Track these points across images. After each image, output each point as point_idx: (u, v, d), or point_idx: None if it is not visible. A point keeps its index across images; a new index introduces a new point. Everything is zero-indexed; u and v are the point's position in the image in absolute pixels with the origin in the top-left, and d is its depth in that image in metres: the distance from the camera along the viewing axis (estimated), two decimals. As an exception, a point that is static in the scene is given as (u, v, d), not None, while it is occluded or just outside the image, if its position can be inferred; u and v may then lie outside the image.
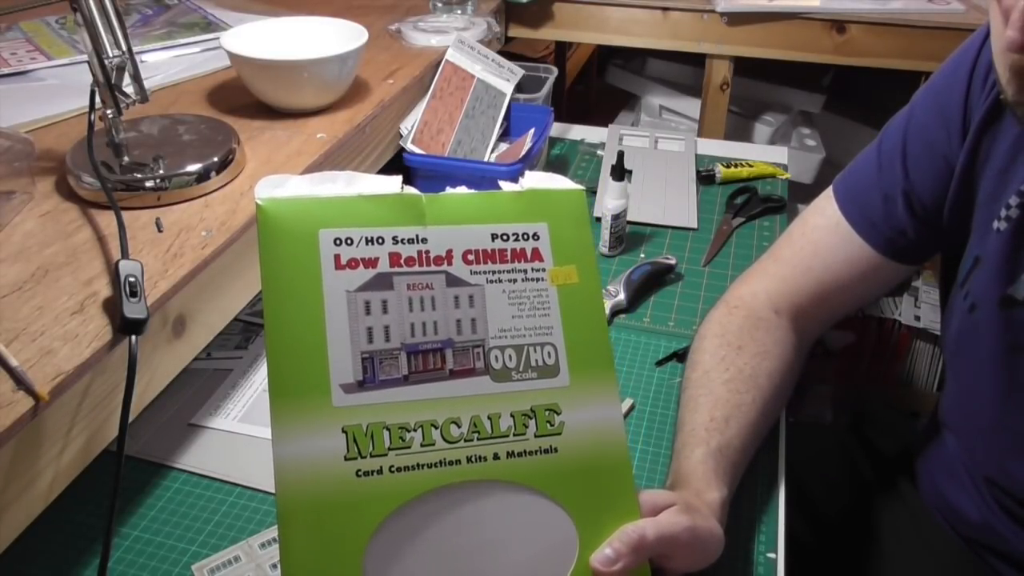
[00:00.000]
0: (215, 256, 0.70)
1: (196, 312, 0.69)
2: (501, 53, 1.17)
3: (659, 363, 0.87)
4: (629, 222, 1.06)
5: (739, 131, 1.66)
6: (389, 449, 0.49)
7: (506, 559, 0.50)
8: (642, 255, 1.05)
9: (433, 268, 0.52)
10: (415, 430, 0.49)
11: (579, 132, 1.37)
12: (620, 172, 1.01)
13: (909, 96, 0.75)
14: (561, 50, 2.01)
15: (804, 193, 1.46)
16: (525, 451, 0.51)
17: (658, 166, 1.25)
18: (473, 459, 0.50)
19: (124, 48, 0.71)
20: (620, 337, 0.91)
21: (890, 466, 0.88)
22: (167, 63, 1.08)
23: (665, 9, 1.40)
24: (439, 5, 1.32)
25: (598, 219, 1.05)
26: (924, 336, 1.52)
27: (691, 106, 1.68)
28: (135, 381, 0.59)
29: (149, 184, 0.75)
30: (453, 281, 0.53)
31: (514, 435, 0.51)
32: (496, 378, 0.52)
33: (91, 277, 0.65)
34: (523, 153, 1.05)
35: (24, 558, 0.64)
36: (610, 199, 1.01)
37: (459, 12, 1.30)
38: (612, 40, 1.48)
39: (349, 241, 0.51)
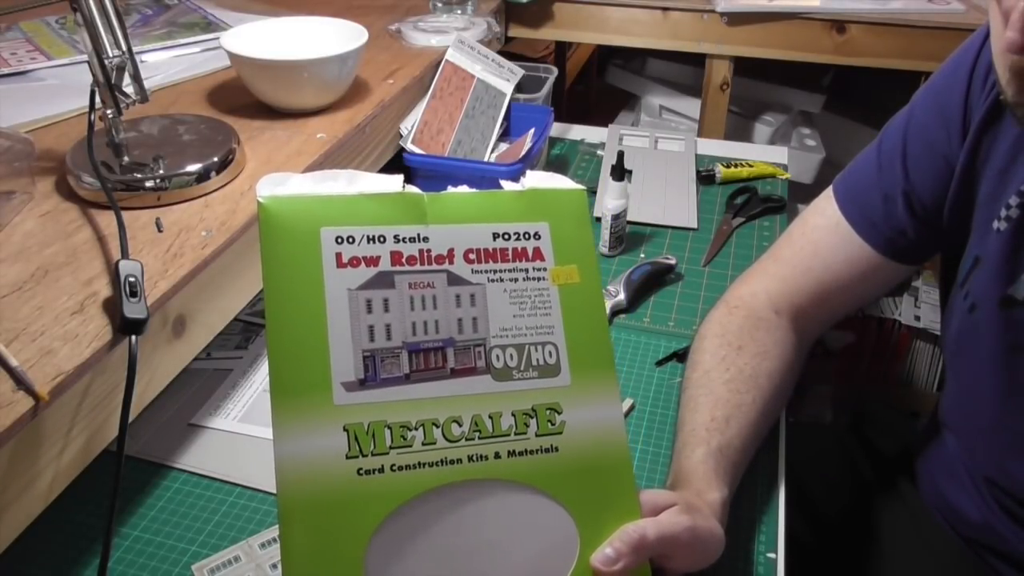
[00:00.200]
0: (215, 256, 0.70)
1: (196, 312, 0.69)
2: (501, 53, 1.17)
3: (659, 363, 0.87)
4: (629, 222, 1.06)
5: (739, 131, 1.67)
6: (390, 448, 0.49)
7: (507, 558, 0.50)
8: (642, 255, 1.05)
9: (434, 267, 0.52)
10: (416, 429, 0.49)
11: (579, 132, 1.37)
12: (620, 172, 1.01)
13: (909, 96, 0.75)
14: (561, 50, 2.01)
15: (804, 193, 1.46)
16: (526, 450, 0.51)
17: (658, 166, 1.25)
18: (474, 458, 0.50)
19: (124, 48, 0.71)
20: (620, 337, 0.91)
21: (890, 466, 0.88)
22: (167, 63, 1.08)
23: (665, 9, 1.41)
24: (439, 5, 1.32)
25: (598, 219, 1.05)
26: (924, 336, 1.52)
27: (691, 106, 1.68)
28: (135, 381, 0.59)
29: (149, 184, 0.75)
30: (454, 280, 0.53)
31: (515, 434, 0.51)
32: (497, 377, 0.52)
33: (91, 277, 0.65)
34: (523, 153, 1.05)
35: (24, 558, 0.64)
36: (610, 199, 1.01)
37: (459, 12, 1.30)
38: (612, 40, 1.48)
39: (351, 239, 0.51)
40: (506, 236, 0.54)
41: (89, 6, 0.69)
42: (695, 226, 1.11)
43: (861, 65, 1.38)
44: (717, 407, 0.68)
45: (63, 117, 0.91)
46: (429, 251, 0.52)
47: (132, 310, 0.60)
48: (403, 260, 0.52)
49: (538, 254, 0.55)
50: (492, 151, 1.10)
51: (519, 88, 1.15)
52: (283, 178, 0.52)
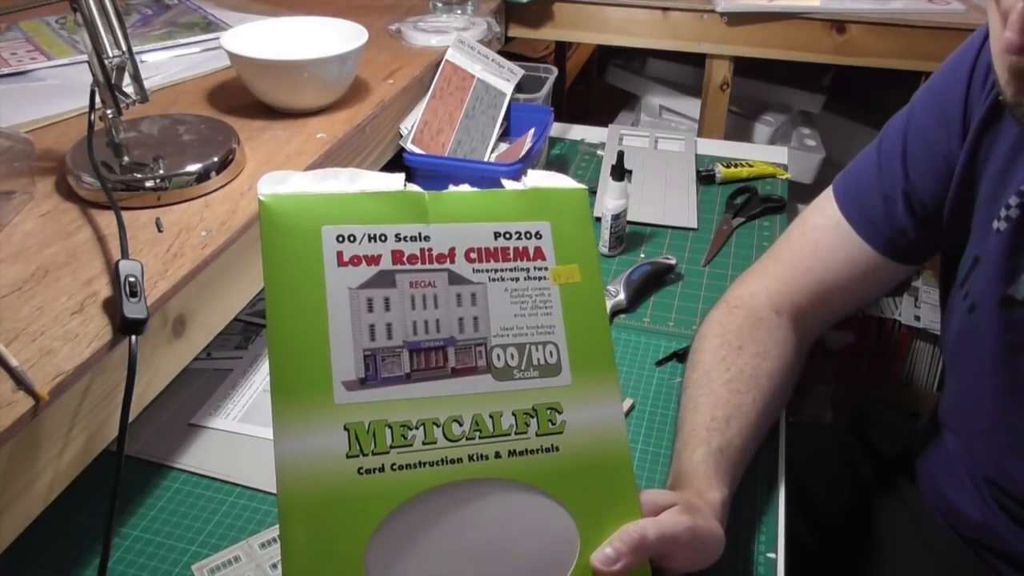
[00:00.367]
0: (215, 256, 0.70)
1: (196, 312, 0.69)
2: (501, 53, 1.17)
3: (659, 363, 0.87)
4: (629, 222, 1.06)
5: (739, 131, 1.67)
6: (391, 447, 0.49)
7: (507, 558, 0.50)
8: (642, 255, 1.05)
9: (435, 266, 0.52)
10: (417, 428, 0.49)
11: (579, 132, 1.37)
12: (620, 172, 1.01)
13: (909, 96, 0.75)
14: (561, 50, 2.01)
15: (804, 193, 1.46)
16: (526, 450, 0.51)
17: (658, 166, 1.25)
18: (475, 457, 0.50)
19: (124, 48, 0.71)
20: (620, 337, 0.91)
21: (890, 466, 0.88)
22: (167, 63, 1.08)
23: (665, 9, 1.41)
24: (439, 5, 1.32)
25: (598, 219, 1.05)
26: (924, 336, 1.52)
27: (691, 106, 1.68)
28: (135, 381, 0.58)
29: (149, 184, 0.75)
30: (455, 279, 0.53)
31: (516, 434, 0.51)
32: (498, 376, 0.52)
33: (91, 277, 0.65)
34: (523, 153, 1.05)
35: (24, 558, 0.64)
36: (610, 199, 1.01)
37: (459, 12, 1.30)
38: (612, 40, 1.48)
39: (352, 238, 0.51)
40: (507, 235, 0.54)
41: (89, 6, 0.69)
42: (695, 226, 1.11)
43: (861, 65, 1.38)
44: (717, 407, 0.68)
45: (63, 117, 0.91)
46: (430, 250, 0.52)
47: (132, 310, 0.60)
48: (404, 259, 0.52)
49: (539, 253, 0.55)
50: (492, 151, 1.10)
51: (519, 88, 1.15)
52: (284, 176, 0.52)
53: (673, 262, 1.00)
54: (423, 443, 0.49)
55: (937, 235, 0.73)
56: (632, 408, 0.81)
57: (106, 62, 0.71)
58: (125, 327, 0.60)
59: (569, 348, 0.54)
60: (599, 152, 1.29)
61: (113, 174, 0.75)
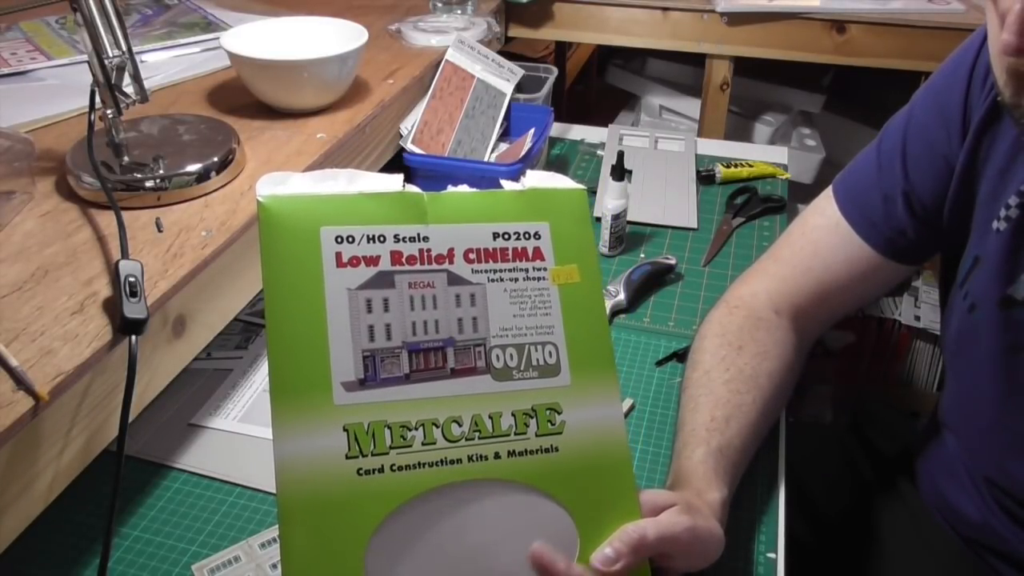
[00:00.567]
0: (215, 256, 0.70)
1: (196, 312, 0.69)
2: (501, 53, 1.17)
3: (659, 363, 0.87)
4: (629, 222, 1.06)
5: (739, 131, 1.66)
6: (390, 448, 0.49)
7: (507, 558, 0.50)
8: (642, 255, 1.05)
9: (434, 266, 0.52)
10: (416, 429, 0.49)
11: (579, 132, 1.37)
12: (620, 172, 1.01)
13: (909, 96, 0.75)
14: (561, 50, 2.01)
15: (804, 193, 1.46)
16: (526, 450, 0.51)
17: (658, 166, 1.25)
18: (474, 458, 0.50)
19: (124, 48, 0.71)
20: (620, 337, 0.91)
21: (890, 466, 0.88)
22: (167, 63, 1.08)
23: (665, 9, 1.41)
24: (439, 5, 1.32)
25: (598, 219, 1.05)
26: (924, 336, 1.52)
27: (691, 106, 1.68)
28: (135, 381, 0.59)
29: (149, 184, 0.75)
30: (454, 280, 0.53)
31: (515, 434, 0.51)
32: (497, 377, 0.52)
33: (91, 277, 0.65)
34: (523, 153, 1.05)
35: (24, 558, 0.64)
36: (610, 199, 1.01)
37: (459, 12, 1.30)
38: (612, 40, 1.48)
39: (351, 239, 0.51)
40: (506, 236, 0.54)
41: (89, 6, 0.69)
42: (695, 226, 1.11)
43: (861, 65, 1.38)
44: (717, 407, 0.68)
45: (63, 117, 0.91)
46: (429, 251, 0.52)
47: (132, 310, 0.60)
48: (403, 260, 0.52)
49: (538, 254, 0.55)
50: (492, 151, 1.10)
51: (519, 88, 1.15)
52: (283, 177, 0.52)
53: (673, 262, 1.00)
54: (422, 444, 0.49)
55: (937, 235, 0.73)
56: (632, 408, 0.81)
57: (106, 62, 0.71)
58: (125, 327, 0.60)
59: (568, 348, 0.54)
60: (599, 152, 1.29)
61: (113, 174, 0.75)
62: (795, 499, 0.78)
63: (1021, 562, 0.72)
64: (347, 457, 0.48)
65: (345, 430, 0.48)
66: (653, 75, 1.80)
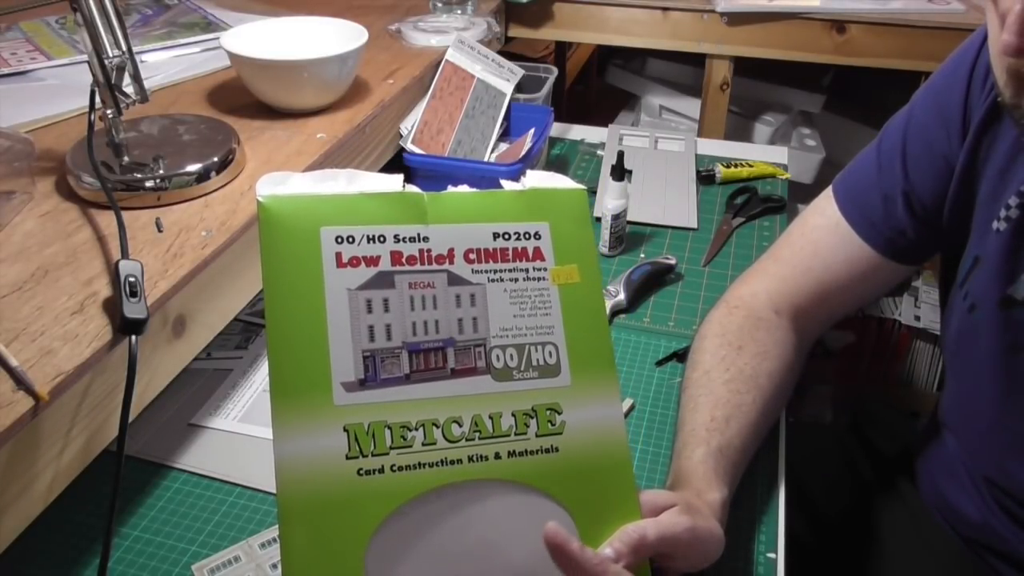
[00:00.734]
0: (215, 256, 0.70)
1: (196, 312, 0.69)
2: (501, 53, 1.17)
3: (659, 363, 0.87)
4: (629, 222, 1.06)
5: (739, 131, 1.67)
6: (390, 448, 0.49)
7: (507, 558, 0.50)
8: (642, 255, 1.05)
9: (435, 267, 0.52)
10: (416, 429, 0.49)
11: (579, 132, 1.37)
12: (620, 172, 1.01)
13: (909, 96, 0.75)
14: (561, 50, 2.01)
15: (804, 193, 1.46)
16: (526, 450, 0.51)
17: (658, 166, 1.25)
18: (474, 458, 0.50)
19: (124, 48, 0.71)
20: (620, 337, 0.91)
21: (890, 466, 0.88)
22: (167, 63, 1.08)
23: (665, 9, 1.41)
24: (439, 5, 1.32)
25: (598, 219, 1.05)
26: (924, 336, 1.52)
27: (691, 106, 1.68)
28: (135, 381, 0.59)
29: (149, 184, 0.75)
30: (454, 280, 0.53)
31: (515, 434, 0.51)
32: (497, 377, 0.52)
33: (91, 277, 0.65)
34: (523, 153, 1.05)
35: (24, 558, 0.64)
36: (610, 199, 1.01)
37: (459, 12, 1.30)
38: (612, 40, 1.48)
39: (351, 239, 0.51)
40: (506, 236, 0.54)
41: (89, 6, 0.69)
42: (695, 226, 1.11)
43: (861, 65, 1.38)
44: (717, 407, 0.68)
45: (63, 117, 0.91)
46: (429, 251, 0.52)
47: (132, 310, 0.60)
48: (403, 260, 0.52)
49: (538, 254, 0.55)
50: (492, 151, 1.10)
51: (519, 88, 1.15)
52: (283, 177, 0.52)
53: (673, 262, 1.00)
54: (422, 444, 0.49)
55: (937, 235, 0.73)
56: (632, 408, 0.81)
57: (106, 62, 0.71)
58: (125, 327, 0.60)
59: (568, 348, 0.54)
60: (599, 152, 1.29)
61: (113, 174, 0.75)
62: (795, 499, 0.78)
63: (1021, 562, 0.72)
64: (347, 457, 0.48)
65: (345, 430, 0.48)
66: (653, 75, 1.80)
